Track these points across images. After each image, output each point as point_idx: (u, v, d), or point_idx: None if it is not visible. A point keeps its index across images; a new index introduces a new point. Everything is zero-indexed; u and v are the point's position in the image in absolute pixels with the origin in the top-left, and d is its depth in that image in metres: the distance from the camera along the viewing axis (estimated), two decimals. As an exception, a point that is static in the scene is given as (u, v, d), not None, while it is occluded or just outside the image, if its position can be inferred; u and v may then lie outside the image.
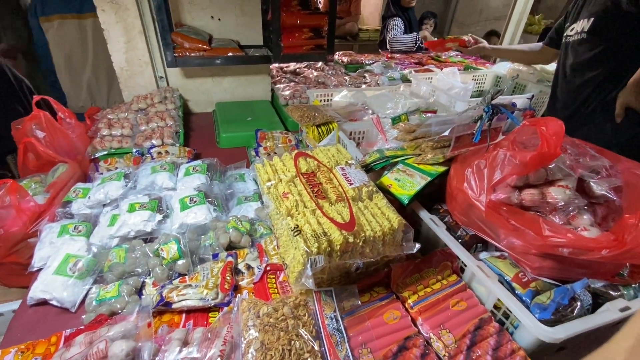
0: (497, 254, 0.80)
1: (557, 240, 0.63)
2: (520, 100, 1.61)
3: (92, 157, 1.35)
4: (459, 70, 1.96)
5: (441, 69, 2.02)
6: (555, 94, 1.51)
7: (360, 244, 0.65)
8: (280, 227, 0.71)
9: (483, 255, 0.79)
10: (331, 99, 1.74)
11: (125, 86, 1.75)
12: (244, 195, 1.16)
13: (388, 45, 3.06)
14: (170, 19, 1.54)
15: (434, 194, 0.96)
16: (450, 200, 0.86)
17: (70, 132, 1.38)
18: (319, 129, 1.31)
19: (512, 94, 1.89)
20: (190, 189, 1.10)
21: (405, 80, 2.24)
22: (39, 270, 0.89)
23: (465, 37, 2.10)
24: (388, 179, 0.89)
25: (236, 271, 0.85)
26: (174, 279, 0.84)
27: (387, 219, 0.69)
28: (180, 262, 0.84)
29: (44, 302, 0.82)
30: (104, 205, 1.09)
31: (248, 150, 1.50)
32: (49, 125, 1.26)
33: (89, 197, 1.07)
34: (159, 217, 0.99)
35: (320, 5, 1.73)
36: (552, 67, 2.04)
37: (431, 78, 1.90)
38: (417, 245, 0.70)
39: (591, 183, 0.71)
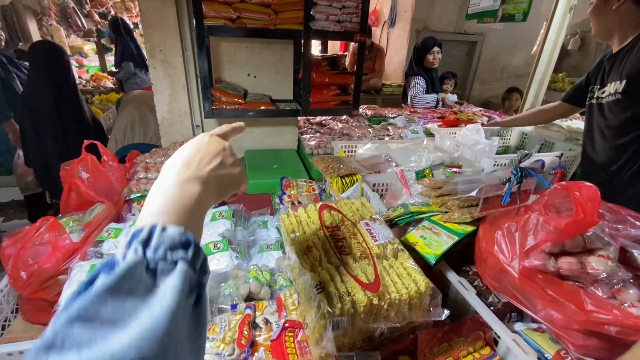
0: (535, 325, 0.74)
1: (602, 317, 0.58)
2: (549, 158, 1.58)
3: (127, 199, 1.43)
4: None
5: (464, 125, 2.05)
6: (588, 155, 1.51)
7: (385, 307, 0.62)
8: (302, 282, 0.70)
9: (518, 326, 0.73)
10: (355, 151, 1.79)
11: (164, 133, 1.90)
12: (266, 243, 1.16)
13: (409, 102, 3.18)
14: (212, 76, 1.71)
15: (461, 254, 0.92)
16: (479, 263, 0.83)
17: (111, 174, 1.48)
18: (343, 180, 1.34)
19: (539, 152, 1.87)
20: (215, 234, 1.13)
21: (429, 134, 2.29)
22: (64, 309, 0.91)
23: (479, 120, 2.23)
24: (413, 236, 0.87)
25: (254, 325, 0.82)
26: (191, 329, 0.82)
27: (413, 280, 0.66)
28: (199, 311, 0.84)
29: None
30: (132, 247, 1.13)
31: (272, 197, 1.54)
32: (93, 168, 1.37)
33: (119, 238, 1.11)
34: (183, 261, 1.01)
35: (347, 66, 1.87)
36: (575, 123, 2.04)
37: (455, 133, 1.93)
38: (446, 312, 0.66)
39: (635, 254, 0.66)
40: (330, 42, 4.68)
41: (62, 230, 1.11)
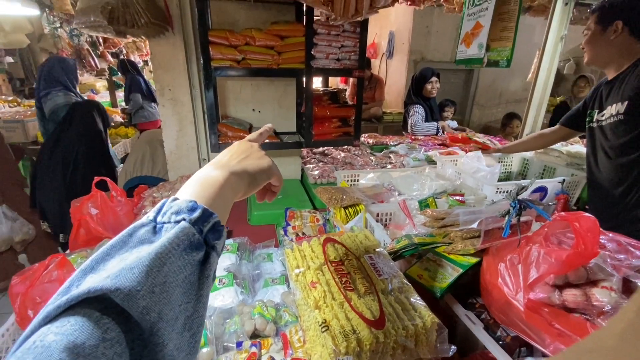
0: (546, 361, 0.72)
1: (612, 353, 0.57)
2: (551, 185, 1.59)
3: (134, 233, 1.45)
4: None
5: (466, 152, 2.08)
6: (594, 177, 1.53)
7: (392, 344, 0.62)
8: (307, 319, 0.70)
9: (529, 362, 0.72)
10: (358, 180, 1.82)
11: (172, 167, 1.95)
12: (271, 277, 1.16)
13: (410, 130, 3.25)
14: (218, 112, 1.78)
15: (468, 285, 0.92)
16: (485, 295, 0.82)
17: (119, 209, 1.51)
18: (347, 211, 1.35)
19: (541, 178, 1.88)
20: (220, 269, 1.13)
21: (430, 161, 2.32)
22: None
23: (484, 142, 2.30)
24: (418, 268, 0.88)
25: (259, 364, 0.81)
26: (196, 369, 0.82)
27: (419, 316, 0.66)
28: (204, 350, 0.83)
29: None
30: (139, 283, 1.13)
31: (277, 228, 1.55)
32: (102, 203, 1.40)
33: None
34: (188, 298, 1.01)
35: (346, 95, 1.94)
36: (574, 148, 2.06)
37: (456, 160, 1.96)
38: (453, 348, 0.66)
39: (639, 285, 0.66)
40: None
41: (71, 267, 1.13)
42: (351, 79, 4.99)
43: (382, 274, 0.75)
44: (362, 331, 0.61)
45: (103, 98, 5.75)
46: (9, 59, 3.76)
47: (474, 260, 0.86)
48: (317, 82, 4.33)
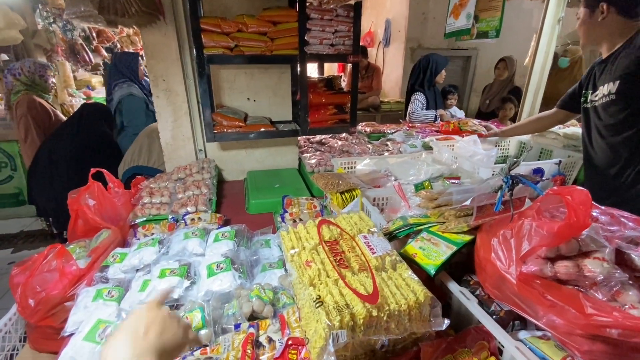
0: (539, 333, 0.73)
1: (602, 320, 0.58)
2: (547, 166, 1.59)
3: (133, 223, 1.46)
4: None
5: (462, 136, 2.08)
6: (590, 157, 1.53)
7: (385, 318, 0.63)
8: (302, 297, 0.71)
9: (522, 334, 0.73)
10: (355, 167, 1.82)
11: (169, 158, 1.95)
12: (269, 262, 1.17)
13: (407, 118, 3.24)
14: (213, 101, 1.77)
15: (463, 264, 0.92)
16: (479, 271, 0.83)
17: (117, 200, 1.52)
18: (343, 196, 1.36)
19: (538, 159, 1.88)
20: (217, 255, 1.14)
21: (427, 147, 2.32)
22: (70, 335, 0.92)
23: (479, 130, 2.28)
24: (412, 247, 0.88)
25: (257, 344, 0.82)
26: (195, 350, 0.83)
27: (412, 291, 0.67)
28: (203, 331, 0.84)
29: (69, 370, 0.83)
30: (137, 270, 1.14)
31: (275, 216, 1.55)
32: (99, 195, 1.41)
33: (125, 262, 1.13)
34: (186, 283, 1.02)
35: (343, 85, 1.93)
36: (570, 130, 2.05)
37: (452, 145, 1.95)
38: (446, 321, 0.66)
39: (633, 255, 0.66)
40: (327, 64, 4.83)
41: (69, 257, 1.14)
42: (348, 68, 4.96)
43: (376, 251, 0.75)
44: (356, 306, 0.62)
45: (99, 94, 5.70)
46: (4, 57, 3.72)
47: (468, 237, 0.86)
48: (313, 72, 4.30)
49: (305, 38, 1.59)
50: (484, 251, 0.78)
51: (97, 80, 5.82)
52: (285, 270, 1.12)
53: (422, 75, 3.25)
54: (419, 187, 1.36)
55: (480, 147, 1.74)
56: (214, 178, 1.78)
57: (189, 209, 1.50)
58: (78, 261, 1.16)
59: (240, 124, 1.74)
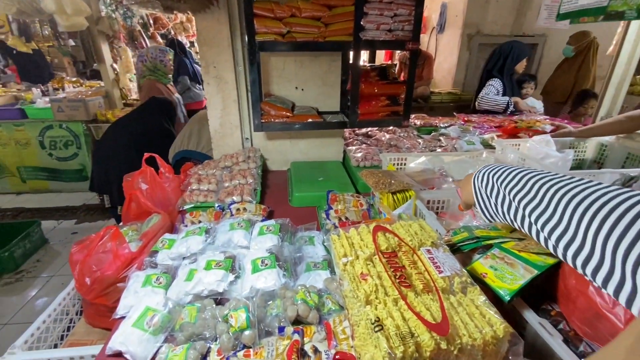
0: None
1: None
2: None
3: (180, 209, 1.48)
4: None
5: (529, 135, 1.85)
6: None
7: (455, 352, 0.54)
8: (356, 314, 0.64)
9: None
10: (405, 164, 1.70)
11: (216, 145, 1.97)
12: (313, 261, 1.12)
13: (476, 103, 3.01)
14: (261, 90, 1.74)
15: (536, 287, 0.79)
16: (565, 302, 0.70)
17: (167, 185, 1.55)
18: (394, 196, 1.26)
19: (623, 166, 1.62)
20: (262, 250, 1.11)
21: (487, 145, 2.12)
22: (122, 318, 0.94)
23: (541, 128, 2.01)
24: (482, 265, 0.77)
25: (302, 352, 0.78)
26: (239, 350, 0.80)
27: (488, 323, 0.57)
28: (247, 332, 0.81)
29: (119, 354, 0.85)
30: (184, 258, 1.15)
31: (319, 211, 1.50)
32: (151, 179, 1.44)
33: (172, 250, 1.14)
34: (231, 277, 1.00)
35: (397, 76, 1.80)
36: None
37: (519, 145, 1.75)
38: (529, 364, 0.56)
39: None
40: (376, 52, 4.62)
41: (123, 240, 1.17)
42: (397, 56, 4.71)
43: (443, 270, 0.66)
44: (422, 335, 0.54)
45: (154, 79, 6.02)
46: (72, 42, 4.02)
47: (552, 260, 0.73)
48: (362, 61, 4.14)
49: (361, 23, 1.48)
50: (576, 280, 0.65)
51: (152, 65, 6.12)
52: (331, 272, 1.06)
53: (501, 62, 2.99)
54: (481, 191, 1.22)
55: (554, 148, 1.53)
56: (259, 168, 1.76)
57: (234, 198, 1.49)
58: (130, 244, 1.20)
59: (288, 113, 1.69)
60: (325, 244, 1.14)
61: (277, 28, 1.47)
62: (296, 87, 1.88)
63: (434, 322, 0.55)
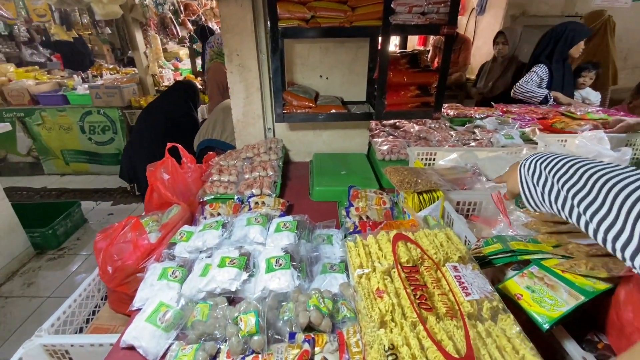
0: None
1: None
2: None
3: (201, 200, 1.48)
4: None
5: (580, 129, 1.66)
6: None
7: (480, 393, 0.47)
8: (370, 333, 0.58)
9: None
10: (434, 159, 1.58)
11: (239, 135, 1.95)
12: (330, 262, 1.07)
13: (513, 90, 2.78)
14: (284, 79, 1.68)
15: (585, 311, 0.69)
16: (617, 336, 0.60)
17: (189, 175, 1.56)
18: (420, 197, 1.17)
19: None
20: (278, 248, 1.08)
21: (527, 139, 1.93)
22: (138, 310, 0.95)
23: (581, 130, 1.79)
24: (517, 285, 0.68)
25: (312, 363, 0.74)
26: (247, 355, 0.78)
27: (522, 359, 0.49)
28: (256, 337, 0.78)
29: (132, 347, 0.85)
30: (201, 252, 1.14)
31: (339, 207, 1.44)
32: (173, 170, 1.45)
33: (190, 243, 1.14)
34: (244, 276, 0.98)
35: (429, 63, 1.66)
36: None
37: (565, 141, 1.57)
38: (570, 412, 0.48)
39: None
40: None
41: (143, 231, 1.19)
42: (431, 41, 4.43)
43: (470, 292, 0.58)
44: (442, 370, 0.47)
45: (185, 65, 6.15)
46: (108, 30, 4.16)
47: (603, 286, 0.63)
48: (393, 47, 3.93)
49: (392, 6, 1.36)
50: (634, 314, 0.55)
51: (184, 52, 6.25)
52: (347, 275, 1.01)
53: (551, 46, 2.68)
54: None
55: (608, 146, 1.35)
56: (280, 160, 1.72)
57: (254, 191, 1.47)
58: (150, 234, 1.21)
59: (311, 104, 1.62)
60: (341, 249, 1.09)
61: (300, 13, 1.39)
62: (320, 76, 1.80)
63: (456, 356, 0.49)
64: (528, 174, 0.68)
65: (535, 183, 0.65)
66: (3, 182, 3.26)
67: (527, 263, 0.74)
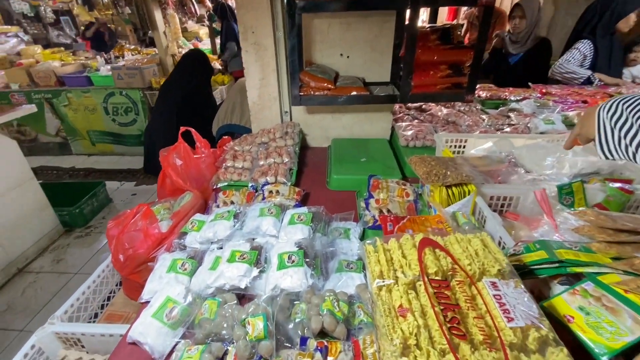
0: None
1: None
2: None
3: (214, 187, 1.43)
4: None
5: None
6: None
7: None
8: (389, 357, 0.50)
9: None
10: (464, 146, 1.44)
11: (255, 119, 1.87)
12: (347, 259, 0.99)
13: (550, 69, 2.52)
14: (302, 58, 1.56)
15: None
16: (696, 376, 0.49)
17: (202, 161, 1.51)
18: (449, 190, 1.05)
19: None
20: (291, 242, 1.01)
21: (570, 125, 1.74)
22: (146, 302, 0.92)
23: None
24: (566, 304, 0.57)
25: (324, 375, 0.68)
26: (255, 360, 0.73)
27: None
28: (263, 343, 0.73)
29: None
30: (212, 243, 1.10)
31: (358, 198, 1.35)
32: (185, 155, 1.40)
33: (200, 233, 1.09)
34: (255, 272, 0.92)
35: (462, 39, 1.49)
36: None
37: (618, 128, 1.37)
38: None
39: None
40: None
41: (154, 219, 1.15)
42: (462, 14, 4.10)
43: (514, 318, 0.48)
44: (478, 417, 0.39)
45: (205, 45, 6.07)
46: (128, 10, 4.13)
47: (680, 313, 0.51)
48: (420, 22, 3.65)
49: (423, -28, 1.20)
50: None
51: (204, 32, 6.16)
52: (366, 276, 0.93)
53: (596, 19, 2.37)
54: (564, 190, 0.97)
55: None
56: (296, 145, 1.64)
57: (268, 178, 1.40)
58: (161, 223, 1.18)
59: (330, 85, 1.50)
60: (358, 250, 1.00)
61: (320, -17, 1.26)
62: (341, 54, 1.66)
63: (496, 400, 0.40)
64: (607, 116, 0.67)
65: (613, 125, 0.65)
66: (35, 162, 3.38)
67: (578, 277, 0.63)
